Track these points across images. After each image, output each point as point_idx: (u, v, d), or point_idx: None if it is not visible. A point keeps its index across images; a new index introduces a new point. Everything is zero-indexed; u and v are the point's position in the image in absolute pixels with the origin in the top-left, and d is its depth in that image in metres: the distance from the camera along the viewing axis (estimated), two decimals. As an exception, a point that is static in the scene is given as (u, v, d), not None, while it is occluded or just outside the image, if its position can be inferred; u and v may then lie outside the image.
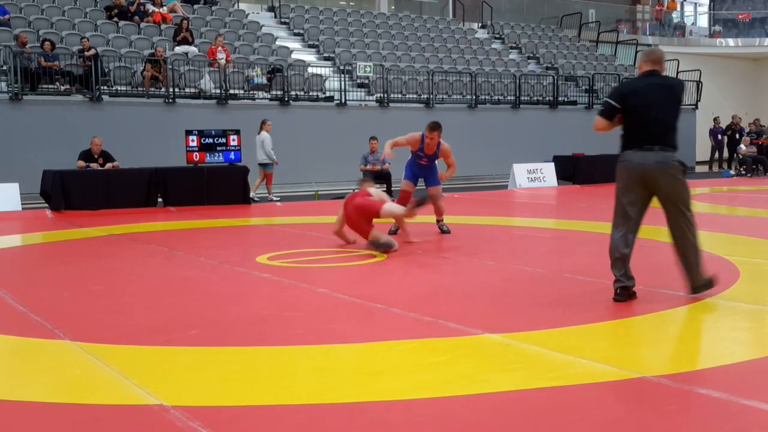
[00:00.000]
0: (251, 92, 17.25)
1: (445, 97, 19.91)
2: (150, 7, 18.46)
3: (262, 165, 14.32)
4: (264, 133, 14.31)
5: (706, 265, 5.43)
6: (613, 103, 5.22)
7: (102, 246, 8.84)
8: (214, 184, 13.31)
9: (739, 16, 31.03)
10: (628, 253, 5.28)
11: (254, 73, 17.37)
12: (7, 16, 16.22)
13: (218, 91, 16.67)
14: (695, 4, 33.17)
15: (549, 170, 17.54)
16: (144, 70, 15.92)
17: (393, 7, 27.09)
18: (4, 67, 14.95)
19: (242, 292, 6.05)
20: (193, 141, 13.33)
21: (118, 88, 15.71)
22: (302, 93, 17.75)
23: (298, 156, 16.30)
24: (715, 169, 23.73)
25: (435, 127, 8.80)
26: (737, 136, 22.73)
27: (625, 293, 5.29)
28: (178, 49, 17.10)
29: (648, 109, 5.10)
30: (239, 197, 13.45)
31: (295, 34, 21.38)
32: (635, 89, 5.25)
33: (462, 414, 3.25)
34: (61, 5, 17.79)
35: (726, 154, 23.75)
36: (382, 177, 14.27)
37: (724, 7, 31.94)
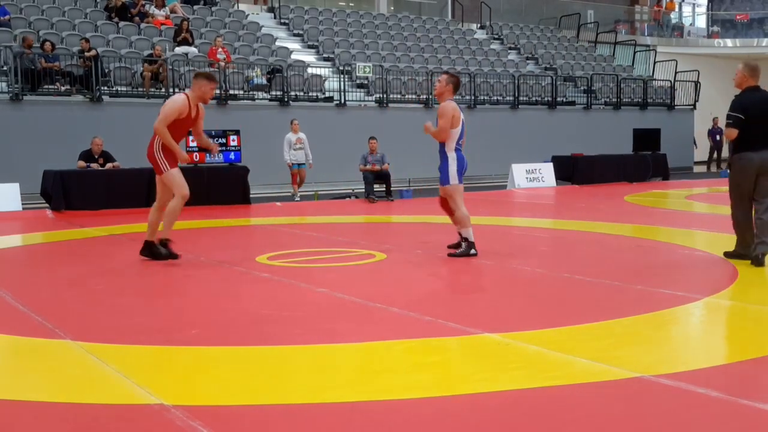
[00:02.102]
0: (251, 93, 17.26)
1: (444, 97, 19.88)
2: (152, 9, 18.47)
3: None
4: (289, 133, 14.59)
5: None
6: (741, 116, 6.52)
7: (102, 246, 8.85)
8: (214, 184, 13.32)
9: (738, 17, 31.06)
10: (751, 224, 6.67)
11: (254, 74, 17.38)
12: (7, 17, 16.23)
13: (218, 91, 16.66)
14: (693, 4, 33.21)
15: (548, 170, 17.57)
16: (144, 70, 15.93)
17: (392, 8, 27.10)
18: (5, 68, 14.95)
19: (242, 292, 6.06)
20: (193, 141, 13.31)
21: (119, 89, 15.71)
22: (302, 93, 17.76)
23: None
24: (714, 169, 23.76)
25: (446, 71, 7.94)
26: None
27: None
28: (179, 49, 17.11)
29: (763, 119, 6.49)
30: (239, 197, 13.46)
31: (295, 35, 21.39)
32: (753, 104, 6.55)
33: (462, 413, 3.26)
34: (62, 6, 17.79)
35: (725, 153, 23.79)
36: (382, 177, 14.29)
37: (723, 7, 31.97)
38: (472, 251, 7.34)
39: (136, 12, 18.11)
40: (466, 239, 7.38)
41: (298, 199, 14.55)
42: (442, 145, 7.34)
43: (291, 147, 14.55)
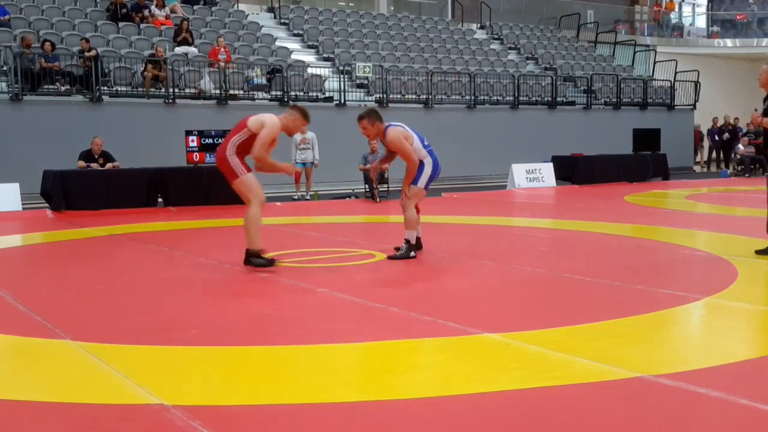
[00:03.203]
0: (251, 93, 17.26)
1: (444, 97, 19.92)
2: (153, 10, 18.48)
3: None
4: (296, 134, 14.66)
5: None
6: None
7: (102, 246, 8.85)
8: (214, 184, 13.30)
9: (737, 17, 31.07)
10: None
11: (254, 74, 17.39)
12: (7, 17, 16.23)
13: (218, 91, 16.68)
14: (693, 4, 33.21)
15: (548, 170, 17.56)
16: (144, 70, 15.93)
17: (392, 8, 27.10)
18: (5, 68, 14.96)
19: (242, 292, 6.06)
20: (193, 141, 13.35)
21: (119, 89, 15.72)
22: (302, 93, 17.77)
23: (297, 156, 16.29)
24: (714, 168, 23.76)
25: (360, 116, 7.42)
26: (726, 135, 22.78)
27: None
28: (178, 49, 17.12)
29: None
30: (239, 197, 13.43)
31: (295, 35, 21.40)
32: None
33: (462, 413, 3.26)
34: (62, 6, 17.80)
35: (720, 154, 23.76)
36: (382, 177, 14.28)
37: (722, 7, 31.97)
38: (412, 254, 7.30)
39: (141, 17, 18.09)
40: (407, 240, 7.34)
41: (297, 198, 14.55)
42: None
43: (297, 148, 14.57)
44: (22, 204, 12.43)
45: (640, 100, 23.36)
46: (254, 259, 6.78)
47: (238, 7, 21.62)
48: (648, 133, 19.76)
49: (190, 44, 17.42)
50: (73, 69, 15.43)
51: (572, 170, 17.92)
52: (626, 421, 3.17)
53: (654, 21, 31.04)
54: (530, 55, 24.56)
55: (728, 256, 7.07)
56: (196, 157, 13.37)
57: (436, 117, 19.41)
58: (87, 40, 15.62)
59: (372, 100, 18.79)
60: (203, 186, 13.21)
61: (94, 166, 12.86)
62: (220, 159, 6.84)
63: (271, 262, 6.80)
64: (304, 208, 13.20)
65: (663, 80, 24.55)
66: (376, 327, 4.77)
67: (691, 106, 24.33)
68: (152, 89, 16.04)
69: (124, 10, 17.93)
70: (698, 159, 25.13)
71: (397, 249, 7.38)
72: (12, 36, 15.66)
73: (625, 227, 9.77)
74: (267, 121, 6.75)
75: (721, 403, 3.34)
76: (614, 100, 22.77)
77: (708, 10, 32.45)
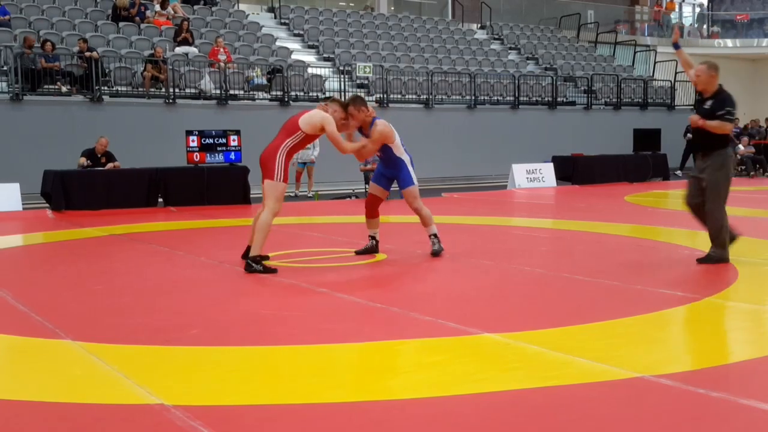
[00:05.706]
0: (251, 93, 17.26)
1: (444, 97, 19.92)
2: (156, 7, 18.47)
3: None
4: None
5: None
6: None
7: (102, 246, 8.85)
8: (215, 184, 13.33)
9: (737, 17, 31.07)
10: None
11: (254, 74, 17.40)
12: (7, 17, 16.23)
13: (218, 91, 16.68)
14: (693, 5, 33.20)
15: (548, 170, 17.56)
16: (144, 70, 15.93)
17: (392, 8, 27.10)
18: (5, 68, 14.96)
19: (242, 292, 6.06)
20: (194, 141, 13.34)
21: (119, 89, 15.72)
22: (302, 93, 17.77)
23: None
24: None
25: (344, 104, 7.40)
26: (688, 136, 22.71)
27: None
28: (179, 49, 17.12)
29: None
30: (239, 197, 13.47)
31: (295, 35, 21.40)
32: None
33: (461, 413, 3.26)
34: (62, 6, 17.80)
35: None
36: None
37: (723, 7, 31.96)
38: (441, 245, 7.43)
39: (136, 12, 18.08)
40: (434, 235, 7.41)
41: (293, 194, 14.61)
42: (391, 151, 7.37)
43: None
44: (23, 204, 12.43)
45: (640, 100, 23.36)
46: (254, 264, 6.63)
47: (238, 7, 21.62)
48: (648, 133, 19.75)
49: (190, 44, 17.42)
50: (74, 69, 15.43)
51: (572, 170, 17.92)
52: (626, 421, 3.17)
53: (654, 21, 31.04)
54: (530, 56, 24.56)
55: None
56: (196, 157, 13.37)
57: (437, 117, 19.40)
58: (85, 41, 15.60)
59: (372, 100, 18.80)
60: (203, 186, 13.22)
61: (84, 160, 12.74)
62: (269, 157, 6.80)
63: (268, 270, 6.61)
64: (304, 208, 13.20)
65: (663, 80, 24.55)
66: (376, 327, 4.77)
67: (692, 107, 24.31)
68: (152, 89, 16.04)
69: (125, 12, 17.93)
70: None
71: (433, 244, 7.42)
72: (12, 36, 15.66)
73: (625, 227, 9.77)
74: (325, 120, 6.96)
75: (720, 403, 3.34)
76: (614, 100, 22.77)
77: (708, 10, 32.43)
